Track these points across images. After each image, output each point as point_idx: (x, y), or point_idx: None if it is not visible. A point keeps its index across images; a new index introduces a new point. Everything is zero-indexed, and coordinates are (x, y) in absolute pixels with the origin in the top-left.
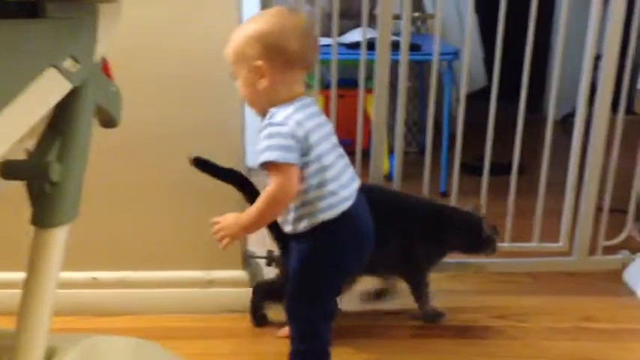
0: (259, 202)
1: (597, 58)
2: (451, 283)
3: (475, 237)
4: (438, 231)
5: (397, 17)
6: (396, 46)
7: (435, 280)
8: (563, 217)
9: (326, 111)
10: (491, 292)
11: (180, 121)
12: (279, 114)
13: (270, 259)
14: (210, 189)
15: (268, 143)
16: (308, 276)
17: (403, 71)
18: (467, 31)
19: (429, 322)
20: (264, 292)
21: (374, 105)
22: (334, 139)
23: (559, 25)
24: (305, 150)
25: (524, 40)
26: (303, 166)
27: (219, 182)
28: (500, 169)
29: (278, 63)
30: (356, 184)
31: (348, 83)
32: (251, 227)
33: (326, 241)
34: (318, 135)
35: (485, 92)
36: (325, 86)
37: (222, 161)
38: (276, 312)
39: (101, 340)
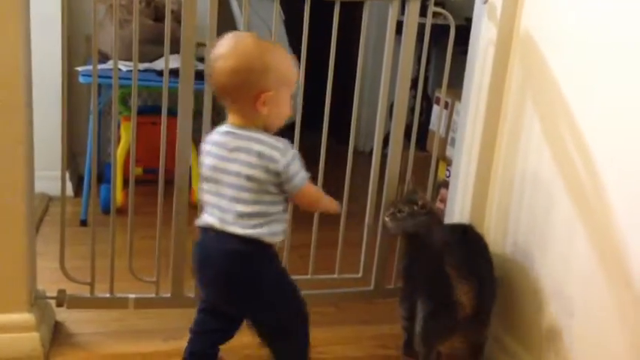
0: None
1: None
2: None
3: None
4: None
5: (204, 44)
6: (202, 75)
7: None
8: (363, 248)
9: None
10: None
11: None
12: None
13: (62, 299)
14: None
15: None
16: None
17: (207, 101)
18: None
19: None
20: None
21: (177, 134)
22: None
23: (362, 68)
24: None
25: (337, 75)
26: None
27: None
28: None
29: None
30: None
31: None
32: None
33: None
34: None
35: (307, 123)
36: (138, 112)
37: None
38: None
39: None
